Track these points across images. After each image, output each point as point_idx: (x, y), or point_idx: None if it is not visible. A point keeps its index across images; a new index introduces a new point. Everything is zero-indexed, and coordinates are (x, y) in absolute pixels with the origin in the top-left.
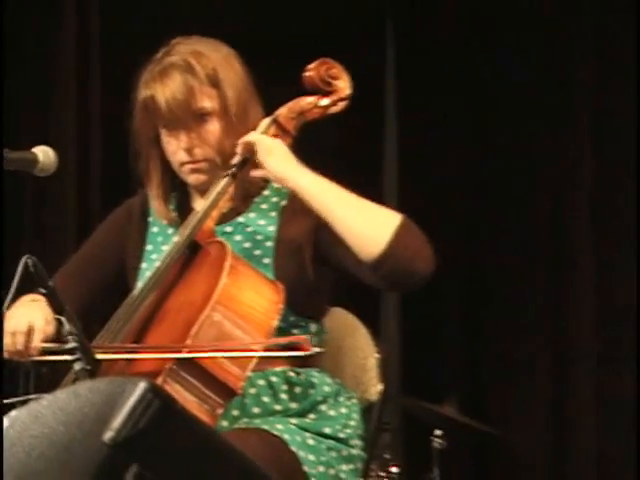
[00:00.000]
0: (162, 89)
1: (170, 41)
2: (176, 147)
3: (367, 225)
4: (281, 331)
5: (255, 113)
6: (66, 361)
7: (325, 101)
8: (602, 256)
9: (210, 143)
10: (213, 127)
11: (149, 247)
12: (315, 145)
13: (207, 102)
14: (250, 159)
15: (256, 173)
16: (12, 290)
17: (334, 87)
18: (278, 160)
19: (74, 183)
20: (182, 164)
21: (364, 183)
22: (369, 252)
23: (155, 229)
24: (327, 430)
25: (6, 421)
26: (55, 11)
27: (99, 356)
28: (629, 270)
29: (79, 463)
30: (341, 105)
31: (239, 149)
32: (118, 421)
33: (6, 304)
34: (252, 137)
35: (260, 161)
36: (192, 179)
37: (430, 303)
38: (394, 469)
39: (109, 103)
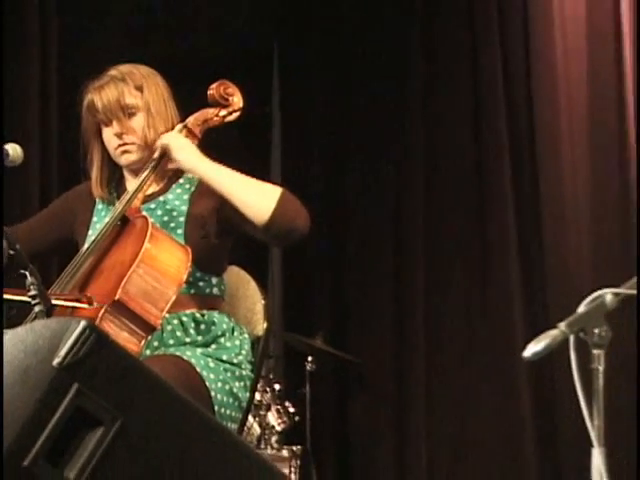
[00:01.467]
0: (99, 94)
1: (111, 66)
2: (111, 135)
3: (256, 198)
4: (190, 284)
5: (172, 115)
6: (29, 304)
7: (223, 112)
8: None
9: (136, 131)
10: (139, 120)
11: (95, 219)
12: (218, 148)
13: (133, 100)
14: (167, 155)
15: (172, 165)
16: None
17: (230, 102)
18: (186, 156)
19: (37, 172)
20: (115, 148)
21: (256, 172)
22: (260, 218)
23: (100, 206)
24: (224, 357)
25: None
26: (19, 30)
27: (54, 301)
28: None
29: (34, 382)
30: (235, 115)
31: (158, 149)
32: (63, 351)
33: None
34: (166, 140)
35: (173, 158)
36: (123, 159)
37: (304, 261)
38: (276, 386)
39: (64, 110)
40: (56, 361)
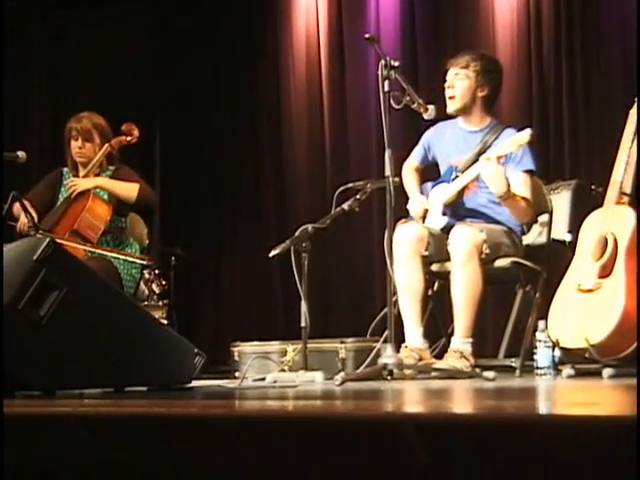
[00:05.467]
0: (75, 125)
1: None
2: (75, 146)
3: (129, 189)
4: (111, 221)
5: (108, 139)
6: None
7: (129, 138)
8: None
9: (91, 147)
10: (93, 141)
11: (63, 189)
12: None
13: (90, 129)
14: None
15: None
16: (6, 207)
17: (133, 133)
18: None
19: (36, 165)
20: (76, 153)
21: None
22: (130, 199)
23: (66, 182)
24: (129, 257)
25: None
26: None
27: (41, 232)
28: None
29: (23, 266)
30: (136, 140)
31: (98, 155)
32: (38, 252)
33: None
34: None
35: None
36: (79, 159)
37: (172, 213)
38: (157, 271)
39: (52, 131)
40: (34, 257)
